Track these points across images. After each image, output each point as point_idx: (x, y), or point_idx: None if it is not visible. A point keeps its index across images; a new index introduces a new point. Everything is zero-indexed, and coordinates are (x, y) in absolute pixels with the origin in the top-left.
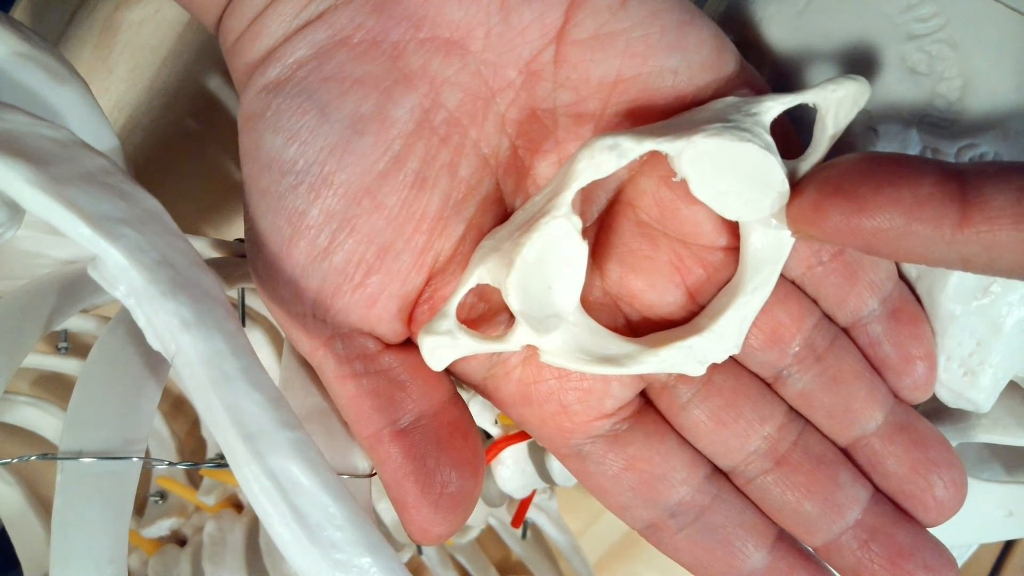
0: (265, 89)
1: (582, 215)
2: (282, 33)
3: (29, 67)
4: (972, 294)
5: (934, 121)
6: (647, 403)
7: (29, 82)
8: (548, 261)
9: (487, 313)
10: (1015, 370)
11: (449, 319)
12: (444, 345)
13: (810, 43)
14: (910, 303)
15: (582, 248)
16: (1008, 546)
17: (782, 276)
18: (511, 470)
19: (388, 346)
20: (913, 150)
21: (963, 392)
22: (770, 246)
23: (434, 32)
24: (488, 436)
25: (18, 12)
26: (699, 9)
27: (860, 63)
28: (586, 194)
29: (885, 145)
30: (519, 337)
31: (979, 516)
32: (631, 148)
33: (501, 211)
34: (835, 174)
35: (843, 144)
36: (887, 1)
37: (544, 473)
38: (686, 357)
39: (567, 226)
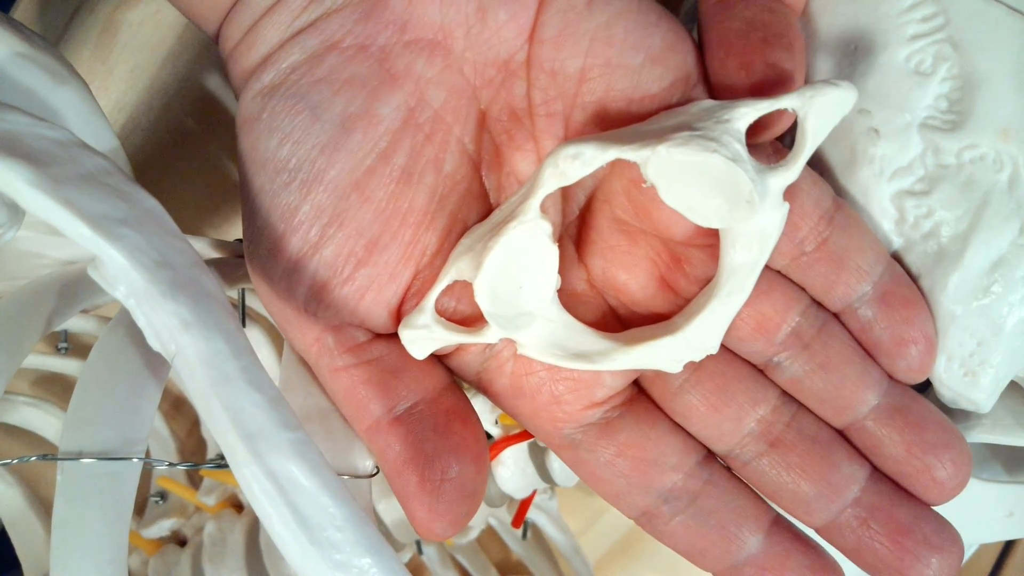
0: (261, 93)
1: (563, 211)
2: (277, 40)
3: (29, 67)
4: (973, 294)
5: (935, 122)
6: (640, 391)
7: (29, 82)
8: (518, 263)
9: (468, 310)
10: (1016, 370)
11: (426, 314)
12: (422, 338)
13: (809, 43)
14: (903, 286)
15: (552, 251)
16: (1008, 546)
17: (767, 267)
18: (511, 470)
19: (379, 335)
20: (913, 151)
21: (964, 392)
22: (745, 253)
23: (418, 34)
24: (489, 436)
25: (18, 12)
26: (666, 10)
27: (860, 63)
28: (565, 191)
29: (885, 145)
30: (495, 330)
31: (979, 516)
32: (595, 156)
33: (485, 206)
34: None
35: (842, 146)
36: (887, 1)
37: (544, 473)
38: (661, 355)
39: (536, 230)
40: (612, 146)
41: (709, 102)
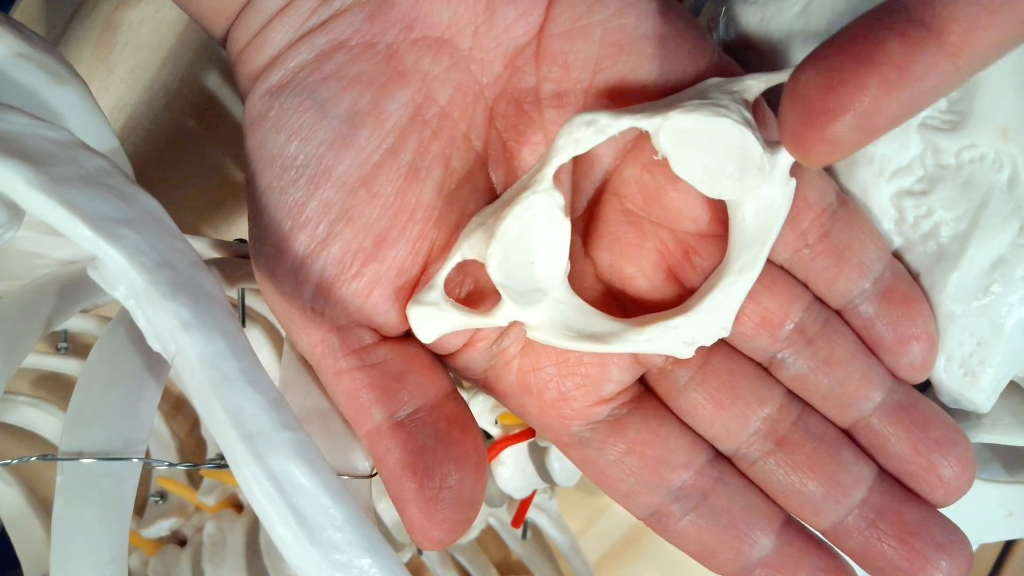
0: (268, 92)
1: (571, 205)
2: (286, 42)
3: (29, 67)
4: (972, 294)
5: (934, 122)
6: (646, 390)
7: (29, 82)
8: (530, 236)
9: (476, 292)
10: (1015, 370)
11: (436, 291)
12: (432, 317)
13: (810, 43)
14: (904, 283)
15: (564, 223)
16: (1008, 546)
17: (770, 261)
18: (511, 470)
19: (385, 338)
20: (913, 150)
21: (964, 392)
22: (757, 227)
23: (425, 32)
24: (489, 436)
25: (18, 12)
26: (675, 0)
27: None
28: (574, 185)
29: (885, 145)
30: (506, 312)
31: (979, 516)
32: (608, 124)
33: (492, 201)
34: (807, 99)
35: None
36: None
37: (544, 473)
38: (673, 338)
39: (548, 201)
40: (625, 115)
41: (715, 79)
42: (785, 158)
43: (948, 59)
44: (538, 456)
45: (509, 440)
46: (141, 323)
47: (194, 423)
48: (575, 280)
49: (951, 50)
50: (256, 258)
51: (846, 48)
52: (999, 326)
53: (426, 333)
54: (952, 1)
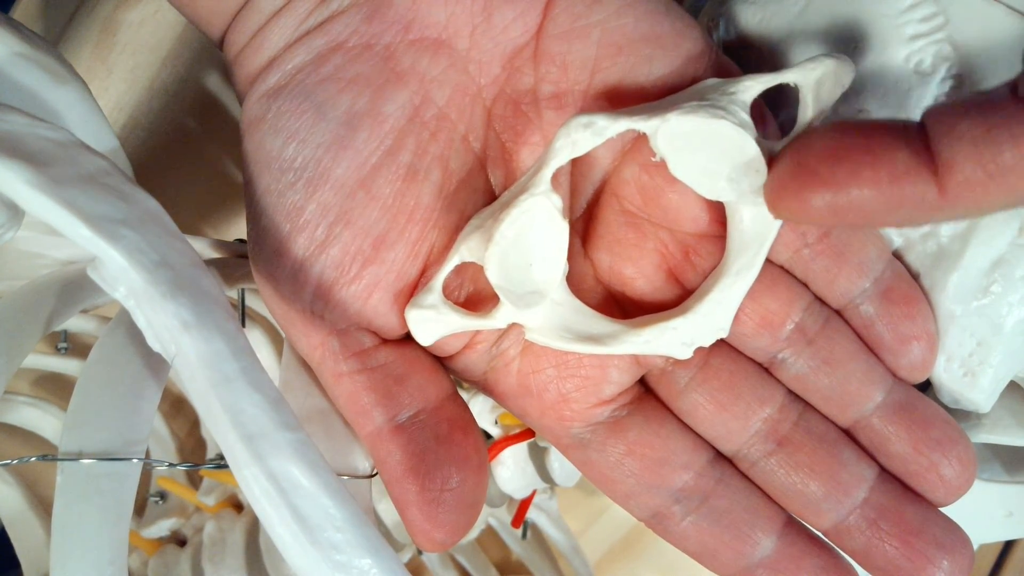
0: (266, 95)
1: (570, 207)
2: (283, 44)
3: (29, 67)
4: (972, 294)
5: None
6: (647, 391)
7: (29, 82)
8: (528, 238)
9: (475, 294)
10: (1015, 370)
11: (435, 293)
12: (431, 319)
13: (810, 43)
14: (904, 283)
15: (562, 226)
16: (1008, 546)
17: (770, 261)
18: (511, 470)
19: (385, 341)
20: None
21: (963, 392)
22: (755, 228)
23: (422, 33)
24: (489, 437)
25: (18, 12)
26: (673, 1)
27: (860, 63)
28: (573, 186)
29: None
30: (504, 314)
31: (979, 516)
32: (606, 126)
33: (491, 202)
34: (807, 157)
35: None
36: (887, 1)
37: (544, 473)
38: (671, 339)
39: (546, 204)
40: (623, 117)
41: (713, 80)
42: None
43: (939, 197)
44: (538, 456)
45: (509, 440)
46: (141, 323)
47: (194, 423)
48: (575, 282)
49: (944, 192)
50: (255, 261)
51: (869, 133)
52: (999, 326)
53: (425, 336)
54: (958, 152)
